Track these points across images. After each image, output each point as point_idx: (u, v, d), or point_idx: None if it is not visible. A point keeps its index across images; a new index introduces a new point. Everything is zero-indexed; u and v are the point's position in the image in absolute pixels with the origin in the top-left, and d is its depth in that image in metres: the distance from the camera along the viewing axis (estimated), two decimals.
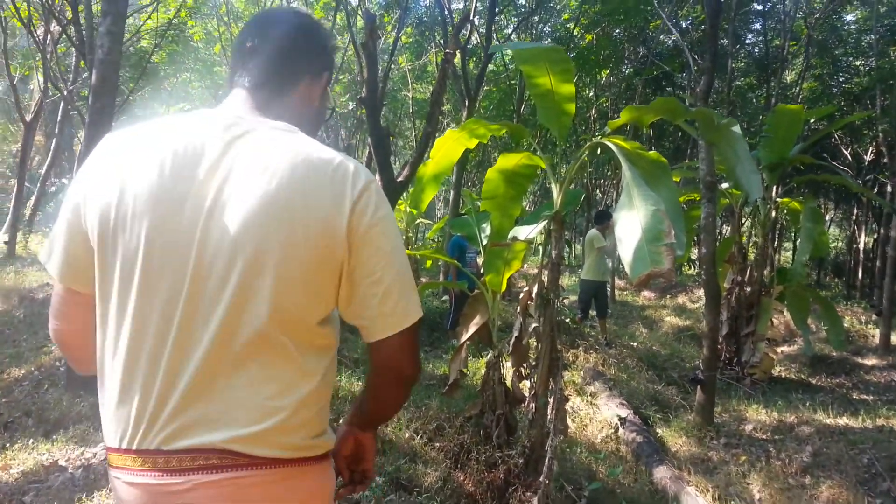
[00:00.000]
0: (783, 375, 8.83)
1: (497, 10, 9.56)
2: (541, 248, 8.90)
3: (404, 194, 9.45)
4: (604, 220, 8.77)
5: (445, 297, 9.47)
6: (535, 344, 3.89)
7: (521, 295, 3.88)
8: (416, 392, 5.51)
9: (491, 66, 14.60)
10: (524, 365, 3.97)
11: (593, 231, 8.78)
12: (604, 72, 16.49)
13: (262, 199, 1.06)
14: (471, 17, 8.39)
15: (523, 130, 3.95)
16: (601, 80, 17.01)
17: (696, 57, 8.26)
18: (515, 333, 3.86)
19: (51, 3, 8.95)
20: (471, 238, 4.23)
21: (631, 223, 2.91)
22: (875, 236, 18.04)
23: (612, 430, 5.61)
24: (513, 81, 15.83)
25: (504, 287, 3.95)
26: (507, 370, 4.14)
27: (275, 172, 1.08)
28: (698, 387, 6.03)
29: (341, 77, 17.21)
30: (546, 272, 3.82)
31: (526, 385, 4.05)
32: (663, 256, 2.73)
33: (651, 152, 4.03)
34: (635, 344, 9.37)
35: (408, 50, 15.89)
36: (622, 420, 5.65)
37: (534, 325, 3.71)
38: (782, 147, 7.21)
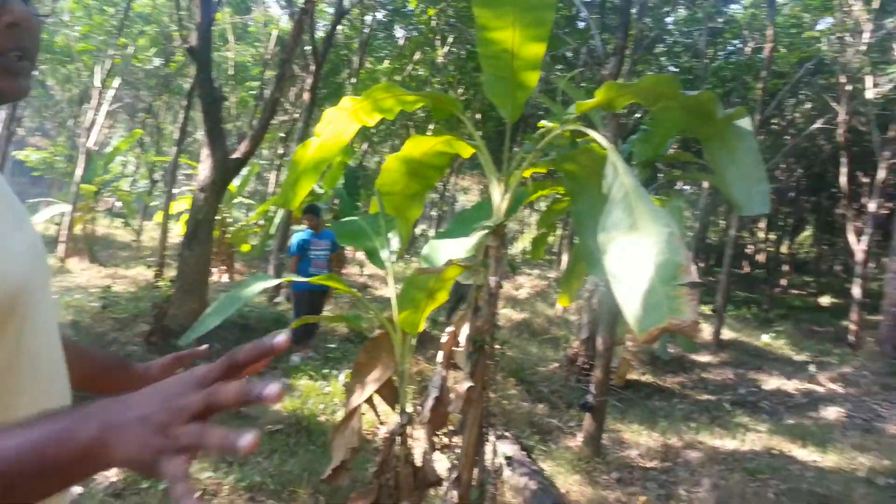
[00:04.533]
0: (634, 378, 8.59)
1: None
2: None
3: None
4: None
5: (280, 300, 7.96)
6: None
7: (445, 339, 2.75)
8: (261, 451, 4.11)
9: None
10: (439, 433, 2.85)
11: None
12: (438, 51, 15.55)
13: None
14: None
15: (453, 103, 2.79)
16: (438, 60, 16.02)
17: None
18: (435, 393, 2.71)
19: None
20: (369, 254, 3.00)
21: (636, 253, 1.91)
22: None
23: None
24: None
25: (422, 327, 2.78)
26: (415, 440, 3.00)
27: None
28: (588, 414, 5.34)
29: (146, 29, 14.66)
30: (478, 306, 2.72)
31: (438, 459, 2.94)
32: (683, 302, 1.78)
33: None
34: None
35: (229, 5, 13.81)
36: (509, 460, 4.70)
37: (467, 384, 2.59)
38: (659, 143, 6.78)
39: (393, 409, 2.92)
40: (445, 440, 2.95)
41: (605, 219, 2.08)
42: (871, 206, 13.64)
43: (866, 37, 13.77)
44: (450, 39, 15.30)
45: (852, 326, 13.18)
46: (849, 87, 14.47)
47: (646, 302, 1.80)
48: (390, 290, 2.84)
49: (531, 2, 2.30)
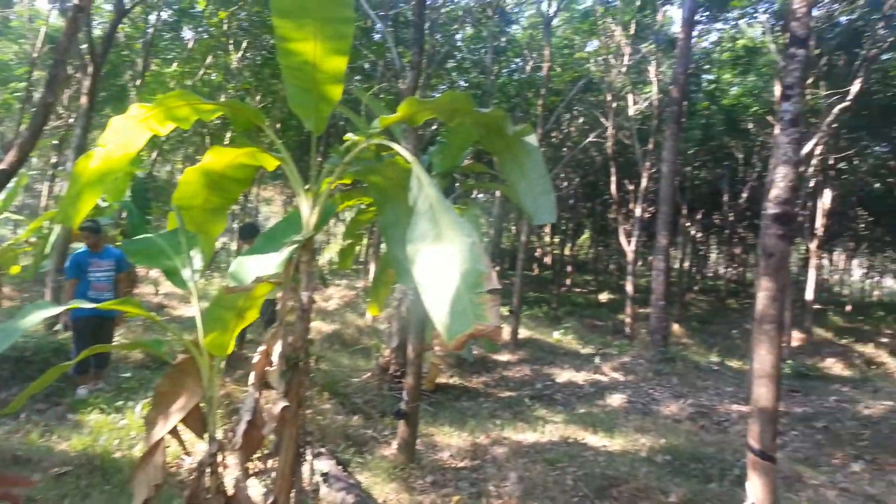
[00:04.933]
0: (443, 381, 8.91)
1: None
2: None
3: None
4: (253, 236, 6.96)
5: (58, 327, 7.09)
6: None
7: (256, 358, 2.63)
8: (48, 497, 3.63)
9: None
10: (252, 458, 2.73)
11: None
12: (231, 56, 14.89)
13: None
14: None
15: (255, 114, 2.70)
16: (232, 66, 15.32)
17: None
18: (248, 416, 2.59)
19: None
20: (169, 273, 2.78)
21: (441, 263, 2.02)
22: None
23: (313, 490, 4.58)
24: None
25: (231, 348, 2.64)
26: (227, 468, 2.83)
27: None
28: (402, 421, 5.43)
29: None
30: (292, 323, 2.65)
31: (252, 486, 2.81)
32: (487, 308, 1.92)
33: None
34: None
35: None
36: (325, 477, 4.62)
37: (282, 403, 2.51)
38: (455, 154, 7.11)
39: (201, 437, 2.74)
40: (260, 465, 2.83)
41: (411, 230, 2.13)
42: (637, 210, 15.47)
43: (626, 59, 15.64)
44: (244, 44, 14.76)
45: (627, 320, 14.82)
46: (614, 105, 16.30)
47: (453, 310, 1.88)
48: (195, 311, 2.67)
49: (331, 16, 2.30)
